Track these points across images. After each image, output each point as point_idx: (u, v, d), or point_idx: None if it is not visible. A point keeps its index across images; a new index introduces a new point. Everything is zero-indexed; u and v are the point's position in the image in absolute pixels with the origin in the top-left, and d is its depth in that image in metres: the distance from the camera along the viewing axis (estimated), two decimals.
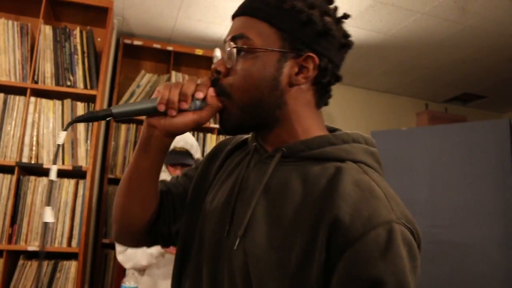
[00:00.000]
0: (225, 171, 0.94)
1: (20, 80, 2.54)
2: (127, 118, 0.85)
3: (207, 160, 1.01)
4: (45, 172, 2.56)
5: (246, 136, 0.98)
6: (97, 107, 2.61)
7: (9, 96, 2.52)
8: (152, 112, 0.81)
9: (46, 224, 0.82)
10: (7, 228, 2.38)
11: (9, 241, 2.38)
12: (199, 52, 3.47)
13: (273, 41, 0.80)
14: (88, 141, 2.59)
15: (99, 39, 2.98)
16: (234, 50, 0.80)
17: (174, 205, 0.97)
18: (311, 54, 0.80)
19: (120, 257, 2.22)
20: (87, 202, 2.50)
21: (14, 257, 2.45)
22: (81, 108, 2.61)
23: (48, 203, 0.84)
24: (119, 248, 2.24)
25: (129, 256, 2.18)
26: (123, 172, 3.19)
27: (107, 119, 0.80)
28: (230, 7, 2.95)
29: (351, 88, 4.37)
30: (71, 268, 2.45)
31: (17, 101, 2.53)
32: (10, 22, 2.58)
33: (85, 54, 2.65)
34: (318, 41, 0.80)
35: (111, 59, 3.23)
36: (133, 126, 3.29)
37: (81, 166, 2.54)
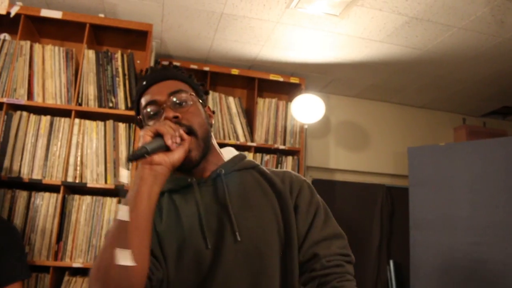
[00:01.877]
0: (160, 216, 1.09)
1: (65, 103, 2.64)
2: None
3: None
4: (88, 191, 2.64)
5: None
6: (138, 128, 2.68)
7: (55, 118, 2.63)
8: (160, 150, 0.95)
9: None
10: (53, 245, 2.46)
11: (55, 257, 2.46)
12: (235, 72, 3.53)
13: (195, 95, 1.13)
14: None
15: (138, 61, 3.07)
16: (183, 101, 1.08)
17: (154, 253, 1.01)
18: (208, 106, 1.20)
19: None
20: None
21: (59, 273, 2.53)
22: (122, 128, 2.70)
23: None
24: None
25: None
26: None
27: (145, 156, 0.93)
28: (265, 28, 3.01)
29: (387, 104, 4.35)
30: None
31: (63, 123, 2.63)
32: (56, 48, 2.70)
33: (126, 76, 2.75)
34: (205, 97, 1.20)
35: None
36: None
37: (123, 185, 2.61)
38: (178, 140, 0.98)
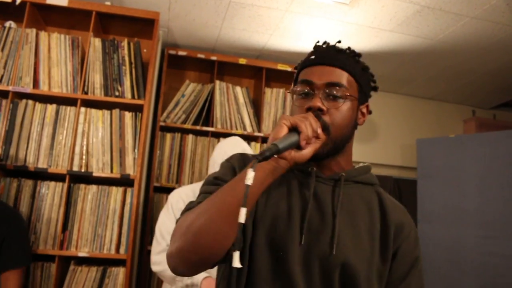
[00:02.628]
0: (268, 188, 1.04)
1: (71, 91, 2.62)
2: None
3: (240, 170, 1.09)
4: (94, 180, 2.63)
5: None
6: (144, 116, 2.66)
7: (61, 106, 2.61)
8: (293, 147, 0.91)
9: None
10: (59, 234, 2.45)
11: (61, 246, 2.45)
12: (242, 61, 3.49)
13: (355, 91, 1.07)
14: (136, 150, 2.65)
15: (145, 50, 3.05)
16: (337, 96, 1.03)
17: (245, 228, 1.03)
18: (368, 104, 1.14)
19: (158, 268, 2.13)
20: (134, 210, 2.55)
21: (65, 263, 2.52)
22: (128, 117, 2.67)
23: None
24: (156, 258, 2.10)
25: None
26: (169, 180, 3.25)
27: (275, 155, 0.88)
28: (274, 16, 2.96)
29: (395, 95, 4.29)
30: (119, 274, 2.50)
31: (68, 112, 2.61)
32: (62, 36, 2.67)
33: (133, 65, 2.72)
34: (369, 95, 1.15)
35: (156, 69, 3.29)
36: (177, 135, 3.34)
37: (129, 174, 2.59)
38: (313, 141, 0.94)
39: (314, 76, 1.05)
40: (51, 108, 2.60)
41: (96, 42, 2.69)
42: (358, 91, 1.08)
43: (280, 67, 3.53)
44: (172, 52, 3.42)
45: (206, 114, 3.45)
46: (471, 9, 2.72)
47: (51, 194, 2.51)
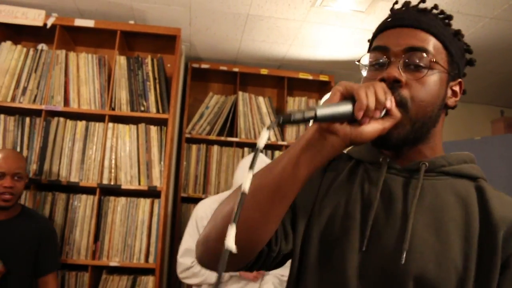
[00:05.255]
0: (328, 180, 0.91)
1: (99, 108, 2.75)
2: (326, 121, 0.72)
3: None
4: (123, 193, 2.74)
5: None
6: (169, 130, 2.76)
7: (90, 123, 2.74)
8: (345, 118, 0.71)
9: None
10: (91, 245, 2.57)
11: (93, 256, 2.57)
12: (264, 71, 3.56)
13: (444, 62, 0.83)
14: (162, 162, 2.75)
15: (169, 65, 3.15)
16: (420, 64, 0.80)
17: (284, 224, 0.87)
18: (462, 80, 0.88)
19: (185, 274, 2.24)
20: (162, 220, 2.64)
21: (97, 272, 2.63)
22: (154, 131, 2.78)
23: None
24: (183, 264, 2.23)
25: (195, 273, 2.22)
26: (196, 191, 3.34)
27: (310, 122, 0.69)
28: (292, 27, 3.03)
29: None
30: (149, 283, 2.59)
31: (97, 127, 2.74)
32: (89, 55, 2.81)
33: (157, 80, 2.83)
34: (464, 69, 0.89)
35: (181, 82, 3.40)
36: (203, 147, 3.43)
37: (155, 186, 2.69)
38: (377, 114, 0.72)
39: (390, 40, 0.83)
40: (81, 124, 2.73)
41: (121, 60, 2.82)
42: (448, 62, 0.84)
43: (302, 75, 3.59)
44: (195, 65, 3.53)
45: (230, 125, 3.53)
46: (490, 10, 2.70)
47: (83, 207, 2.64)
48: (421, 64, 0.80)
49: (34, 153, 2.65)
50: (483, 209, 0.79)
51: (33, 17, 2.80)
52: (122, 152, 2.73)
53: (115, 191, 2.74)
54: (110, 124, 2.75)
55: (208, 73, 3.63)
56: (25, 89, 2.72)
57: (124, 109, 2.77)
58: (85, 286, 2.54)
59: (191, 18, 3.01)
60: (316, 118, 0.68)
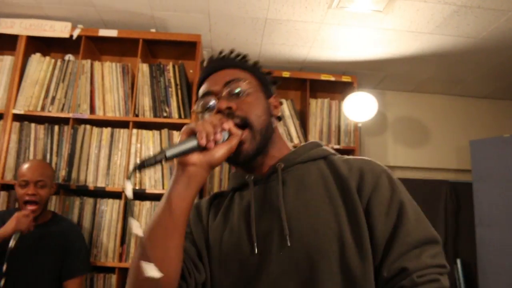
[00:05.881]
0: (216, 216, 1.07)
1: (123, 115, 2.84)
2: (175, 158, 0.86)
3: (193, 217, 1.08)
4: (148, 197, 2.81)
5: (207, 197, 1.14)
6: None
7: (115, 129, 2.83)
8: (193, 150, 0.86)
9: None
10: (117, 248, 2.65)
11: (120, 259, 2.65)
12: (286, 74, 3.58)
13: (256, 85, 1.05)
14: None
15: (191, 71, 3.22)
16: (240, 90, 1.00)
17: (191, 258, 0.98)
18: (275, 95, 1.10)
19: None
20: None
21: (124, 274, 2.70)
22: (176, 136, 2.84)
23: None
24: None
25: None
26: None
27: (162, 162, 0.82)
28: (310, 29, 3.04)
29: (447, 96, 4.19)
30: None
31: (122, 134, 2.83)
32: (113, 64, 2.91)
33: (178, 86, 2.89)
34: (273, 87, 1.11)
35: None
36: None
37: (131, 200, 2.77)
38: (219, 136, 0.87)
39: (210, 86, 1.02)
40: (106, 131, 2.82)
41: (144, 68, 2.90)
42: (259, 84, 1.06)
43: (324, 77, 3.58)
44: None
45: None
46: None
47: (109, 211, 2.72)
48: (240, 89, 1.00)
49: (62, 159, 2.76)
50: (335, 175, 0.97)
51: (60, 29, 2.93)
52: None
53: (140, 195, 2.82)
54: (134, 130, 2.83)
55: None
56: (53, 98, 2.85)
57: (147, 115, 2.85)
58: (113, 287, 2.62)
59: (210, 25, 3.07)
60: (166, 158, 0.82)
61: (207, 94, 1.02)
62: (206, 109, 1.01)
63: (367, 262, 0.87)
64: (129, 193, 0.80)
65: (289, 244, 0.89)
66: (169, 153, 0.82)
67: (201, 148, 0.86)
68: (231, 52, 1.09)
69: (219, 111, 0.96)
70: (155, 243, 0.86)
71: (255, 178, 1.03)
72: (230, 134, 0.91)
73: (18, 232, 2.05)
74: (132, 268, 0.88)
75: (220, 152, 0.88)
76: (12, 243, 2.01)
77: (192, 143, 0.85)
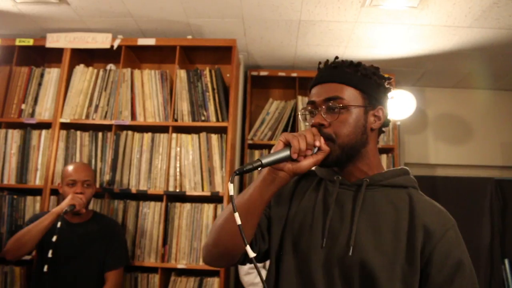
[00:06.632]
0: (299, 196, 1.22)
1: (163, 120, 2.93)
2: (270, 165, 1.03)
3: (275, 196, 1.21)
4: (188, 199, 2.89)
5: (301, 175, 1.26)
6: (229, 137, 2.88)
7: (155, 134, 2.93)
8: (285, 160, 1.02)
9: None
10: (160, 248, 2.74)
11: (162, 259, 2.73)
12: None
13: (358, 99, 1.13)
14: (223, 169, 2.86)
15: (228, 75, 3.28)
16: (336, 108, 1.11)
17: (261, 229, 1.19)
18: (381, 106, 1.17)
19: (246, 277, 2.35)
20: None
21: (167, 274, 2.80)
22: (215, 139, 2.90)
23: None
24: (245, 269, 2.38)
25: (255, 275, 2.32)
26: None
27: (259, 168, 0.99)
28: (344, 29, 3.04)
29: (490, 91, 4.05)
30: (214, 284, 2.71)
31: (162, 138, 2.92)
32: (152, 71, 3.01)
33: (215, 91, 2.96)
34: (383, 97, 1.18)
35: (241, 91, 3.52)
36: (265, 152, 3.52)
37: (218, 192, 2.81)
38: (309, 152, 1.04)
39: (314, 95, 1.16)
40: (147, 136, 2.92)
41: (182, 73, 2.99)
42: (363, 97, 1.13)
43: None
44: (254, 73, 3.64)
45: (291, 129, 3.58)
46: None
47: (151, 213, 2.82)
48: (337, 107, 1.10)
49: (106, 164, 2.88)
50: (411, 213, 1.08)
51: (102, 41, 3.06)
52: (185, 161, 2.88)
53: (181, 197, 2.90)
54: (174, 135, 2.92)
55: (267, 80, 3.72)
56: (96, 106, 2.98)
57: (186, 120, 2.92)
58: (156, 287, 2.71)
59: (245, 29, 3.12)
60: (262, 165, 0.98)
61: (311, 103, 1.16)
62: (309, 113, 1.18)
63: None
64: (231, 192, 0.94)
65: (350, 254, 1.05)
66: (265, 161, 0.99)
67: (291, 159, 1.02)
68: (343, 62, 1.18)
69: (313, 125, 1.11)
70: (240, 216, 0.97)
71: (342, 181, 1.16)
72: (319, 149, 1.07)
73: (72, 206, 2.25)
74: (219, 221, 1.10)
75: (307, 164, 1.05)
76: (59, 224, 2.14)
77: (285, 153, 1.01)
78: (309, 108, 1.17)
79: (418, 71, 3.75)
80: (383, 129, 1.22)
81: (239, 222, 0.92)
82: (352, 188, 1.15)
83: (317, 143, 1.05)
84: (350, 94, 1.12)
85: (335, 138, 1.10)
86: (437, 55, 3.39)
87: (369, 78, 1.15)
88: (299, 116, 1.22)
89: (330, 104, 1.10)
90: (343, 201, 1.14)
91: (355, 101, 1.12)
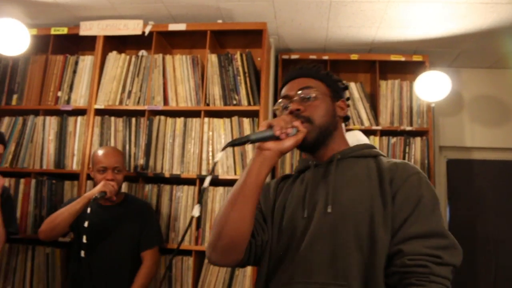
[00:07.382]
0: (281, 192, 1.35)
1: (195, 104, 2.95)
2: (256, 142, 1.15)
3: (263, 192, 1.36)
4: (220, 183, 2.91)
5: (281, 176, 1.44)
6: (261, 120, 2.87)
7: (187, 119, 2.95)
8: (270, 138, 1.14)
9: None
10: (193, 232, 2.78)
11: (196, 242, 2.77)
12: (354, 57, 3.53)
13: (325, 90, 1.31)
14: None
15: (258, 59, 3.27)
16: (309, 96, 1.26)
17: (259, 221, 1.28)
18: (343, 99, 1.35)
19: None
20: None
21: (201, 256, 2.84)
22: (247, 123, 2.91)
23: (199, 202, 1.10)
24: None
25: None
26: None
27: (248, 143, 1.13)
28: (377, 9, 2.97)
29: None
30: (248, 266, 2.73)
31: (194, 123, 2.94)
32: (183, 56, 3.02)
33: (246, 74, 2.95)
34: (343, 93, 1.37)
35: (272, 74, 3.50)
36: None
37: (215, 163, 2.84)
38: (289, 131, 1.15)
39: (287, 90, 1.32)
40: (179, 121, 2.95)
41: (213, 58, 2.99)
42: (329, 90, 1.31)
43: (393, 58, 3.49)
44: (285, 56, 3.61)
45: None
46: None
47: (185, 197, 2.86)
48: (310, 95, 1.27)
49: (140, 149, 2.92)
50: (378, 170, 1.20)
51: (133, 27, 3.09)
52: (218, 145, 2.90)
53: (213, 181, 2.91)
54: (206, 119, 2.93)
55: (299, 63, 3.65)
56: (130, 92, 3.02)
57: (218, 104, 2.93)
58: (190, 269, 2.75)
59: (275, 12, 3.09)
60: (250, 141, 1.12)
61: (285, 97, 1.30)
62: (283, 108, 1.30)
63: (388, 235, 1.09)
64: (217, 158, 1.23)
65: (329, 211, 1.15)
66: (252, 137, 1.12)
67: (275, 138, 1.13)
68: (307, 63, 1.36)
69: (291, 112, 1.23)
70: (236, 206, 1.13)
71: (316, 163, 1.30)
72: (298, 130, 1.17)
73: (104, 193, 2.30)
74: (217, 221, 1.17)
75: (289, 142, 1.15)
76: (89, 210, 2.19)
77: (270, 132, 1.13)
78: (283, 103, 1.31)
79: (453, 51, 3.64)
80: (345, 123, 1.38)
81: (196, 213, 1.13)
82: (324, 165, 1.28)
83: (295, 123, 1.17)
84: (318, 85, 1.29)
85: (312, 119, 1.23)
86: (473, 34, 3.28)
87: (329, 76, 1.34)
88: (275, 111, 1.35)
89: (303, 92, 1.26)
90: (319, 176, 1.26)
91: (323, 90, 1.30)
